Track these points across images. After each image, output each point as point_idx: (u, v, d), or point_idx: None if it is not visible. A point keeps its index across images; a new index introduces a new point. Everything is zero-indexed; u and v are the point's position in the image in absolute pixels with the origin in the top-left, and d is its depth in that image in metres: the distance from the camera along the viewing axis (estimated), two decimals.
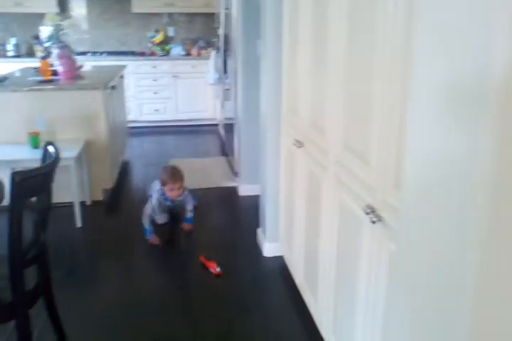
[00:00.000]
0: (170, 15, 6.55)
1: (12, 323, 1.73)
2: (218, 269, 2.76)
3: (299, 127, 2.31)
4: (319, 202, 2.03)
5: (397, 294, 1.13)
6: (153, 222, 3.22)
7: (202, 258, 2.88)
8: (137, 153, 5.35)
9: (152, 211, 3.22)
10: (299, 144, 2.24)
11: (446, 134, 0.89)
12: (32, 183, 1.57)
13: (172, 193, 3.16)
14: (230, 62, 4.24)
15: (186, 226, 3.34)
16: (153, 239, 3.12)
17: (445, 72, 0.89)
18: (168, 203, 3.29)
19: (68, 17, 3.50)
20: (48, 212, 1.82)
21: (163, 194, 3.20)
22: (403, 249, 1.09)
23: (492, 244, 0.79)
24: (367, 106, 1.48)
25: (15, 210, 1.53)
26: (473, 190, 0.82)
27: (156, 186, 3.25)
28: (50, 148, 1.81)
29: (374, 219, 1.41)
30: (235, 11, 3.73)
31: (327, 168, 1.90)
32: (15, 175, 1.47)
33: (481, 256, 0.81)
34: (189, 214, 3.36)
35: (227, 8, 4.20)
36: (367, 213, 1.45)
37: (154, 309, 2.45)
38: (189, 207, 3.35)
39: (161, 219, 3.38)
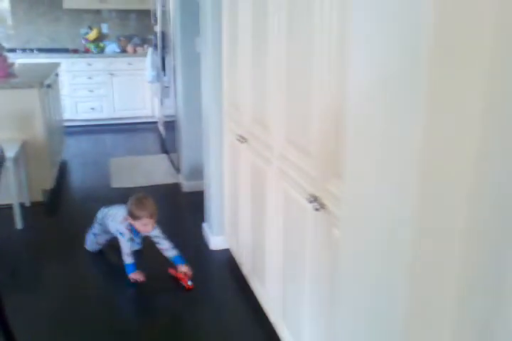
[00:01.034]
0: (103, 11, 6.43)
1: None
2: (190, 283, 2.60)
3: (242, 123, 2.39)
4: (264, 194, 2.13)
5: (342, 279, 1.23)
6: (134, 253, 2.70)
7: (172, 271, 2.69)
8: (75, 152, 5.24)
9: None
10: (243, 139, 2.33)
11: (382, 128, 1.00)
12: None
13: (145, 228, 2.64)
14: (168, 60, 4.26)
15: (185, 267, 2.65)
16: (135, 273, 2.64)
17: (379, 61, 0.99)
18: (137, 240, 2.77)
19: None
20: None
21: (132, 229, 2.69)
22: (345, 237, 1.20)
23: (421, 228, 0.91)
24: (306, 101, 1.59)
25: None
26: (406, 175, 0.93)
27: (118, 216, 2.72)
28: None
29: (317, 207, 1.52)
30: (172, 8, 3.75)
31: (271, 162, 1.99)
32: None
33: (412, 238, 0.93)
34: (174, 252, 2.69)
35: (163, 6, 4.21)
36: (310, 202, 1.55)
37: (100, 306, 2.48)
38: (166, 243, 2.70)
39: (93, 249, 2.97)
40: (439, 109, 0.84)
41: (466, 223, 0.89)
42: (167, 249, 2.69)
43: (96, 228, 2.87)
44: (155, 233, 2.69)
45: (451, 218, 0.90)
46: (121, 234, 2.65)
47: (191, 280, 2.60)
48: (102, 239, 2.91)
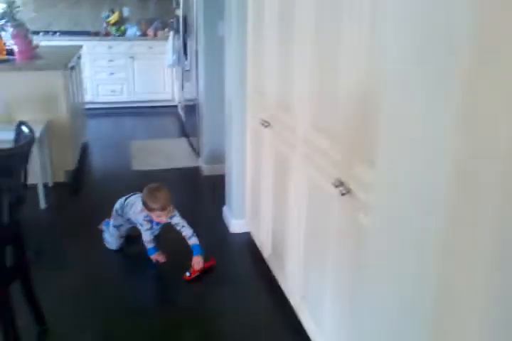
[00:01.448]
0: None
1: None
2: (188, 274, 2.55)
3: (266, 107, 2.40)
4: (287, 178, 2.14)
5: (371, 267, 1.24)
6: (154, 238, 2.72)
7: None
8: (96, 134, 5.29)
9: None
10: (266, 124, 2.33)
11: (421, 114, 1.00)
12: (8, 163, 1.60)
13: (160, 219, 2.64)
14: (190, 44, 4.25)
15: (195, 259, 2.61)
16: (157, 254, 2.68)
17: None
18: (157, 228, 2.75)
19: None
20: (23, 192, 1.84)
21: (150, 219, 2.68)
22: (377, 225, 1.20)
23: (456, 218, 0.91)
24: (333, 85, 1.58)
25: None
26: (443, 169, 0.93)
27: (136, 207, 2.72)
28: (24, 128, 1.83)
29: (343, 192, 1.52)
30: None
31: (295, 146, 2.00)
32: None
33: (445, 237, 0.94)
34: (194, 240, 2.67)
35: None
36: (336, 186, 1.56)
37: (122, 284, 2.54)
38: (187, 230, 2.68)
39: (117, 244, 2.88)
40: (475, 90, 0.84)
41: (498, 211, 0.89)
42: (187, 236, 2.68)
43: (117, 220, 2.83)
44: (175, 220, 2.68)
45: (484, 206, 0.90)
46: (140, 224, 2.67)
47: (190, 273, 2.55)
48: (124, 229, 2.87)
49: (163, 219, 2.65)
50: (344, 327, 1.67)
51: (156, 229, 2.75)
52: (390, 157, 1.09)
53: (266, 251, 2.63)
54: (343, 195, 1.53)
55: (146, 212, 2.63)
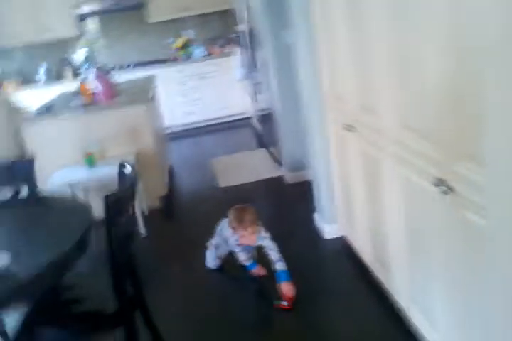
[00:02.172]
0: (186, 18, 6.63)
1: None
2: (286, 303, 2.44)
3: (347, 111, 2.38)
4: (379, 180, 2.11)
5: (493, 269, 1.18)
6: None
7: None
8: (178, 157, 5.49)
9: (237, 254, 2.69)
10: (350, 128, 2.32)
11: None
12: (121, 203, 1.72)
13: (244, 240, 2.60)
14: (258, 56, 4.32)
15: (285, 286, 2.47)
16: (256, 269, 2.66)
17: None
18: (250, 249, 2.70)
19: (98, 39, 3.62)
20: (134, 225, 1.97)
21: (236, 239, 2.64)
22: (492, 226, 1.15)
23: None
24: (420, 82, 1.55)
25: (111, 228, 1.68)
26: None
27: (226, 229, 2.69)
28: (127, 169, 1.95)
29: (445, 190, 1.48)
30: (257, 3, 3.80)
31: (385, 148, 1.97)
32: (108, 198, 1.62)
33: None
34: (280, 266, 2.51)
35: (247, 2, 4.27)
36: (436, 185, 1.52)
37: (224, 302, 2.59)
38: (275, 254, 2.56)
39: (213, 263, 2.90)
40: None
41: None
42: (274, 260, 2.54)
43: (216, 239, 2.84)
44: (265, 243, 2.59)
45: None
46: (233, 246, 2.66)
47: (287, 302, 2.43)
48: (223, 252, 2.84)
49: (250, 241, 2.58)
50: (458, 327, 1.63)
51: (251, 249, 2.70)
52: (501, 152, 1.04)
53: (365, 255, 2.60)
54: (444, 193, 1.49)
55: (236, 236, 2.60)
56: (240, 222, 2.54)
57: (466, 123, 1.34)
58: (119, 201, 1.68)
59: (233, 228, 2.59)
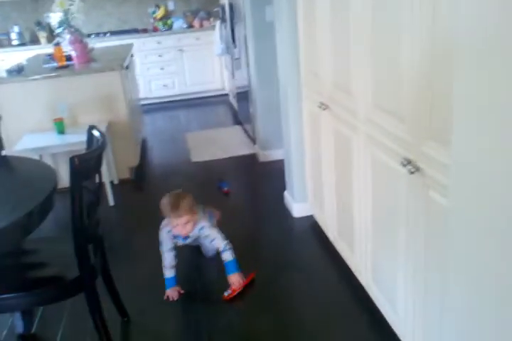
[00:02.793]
0: None
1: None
2: (226, 294, 2.31)
3: (322, 90, 2.38)
4: (349, 159, 2.13)
5: (453, 249, 1.21)
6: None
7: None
8: (152, 129, 5.44)
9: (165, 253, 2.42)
10: (324, 106, 2.32)
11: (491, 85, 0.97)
12: (88, 165, 1.69)
13: (178, 229, 2.32)
14: (237, 31, 4.26)
15: (233, 278, 2.33)
16: (171, 290, 2.38)
17: None
18: (181, 242, 2.45)
19: (75, 2, 3.50)
20: (99, 192, 1.94)
21: (169, 231, 2.39)
22: (454, 206, 1.17)
23: None
24: (395, 62, 1.56)
25: (75, 191, 1.65)
26: None
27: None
28: (95, 132, 1.91)
29: (412, 170, 1.51)
30: None
31: (357, 128, 1.99)
32: (74, 159, 1.59)
33: None
34: (226, 256, 2.35)
35: None
36: (404, 165, 1.55)
37: (188, 272, 2.59)
38: (219, 243, 2.36)
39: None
40: None
41: None
42: (220, 249, 2.35)
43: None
44: (205, 232, 2.36)
45: None
46: (160, 243, 2.40)
47: (228, 292, 2.31)
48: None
49: (183, 231, 2.31)
50: (418, 306, 1.67)
51: (189, 241, 2.46)
52: (467, 134, 1.06)
53: (331, 233, 2.64)
54: (411, 173, 1.52)
55: (169, 226, 2.35)
56: (174, 209, 2.27)
57: (436, 104, 1.36)
58: (85, 163, 1.64)
59: (164, 214, 2.34)
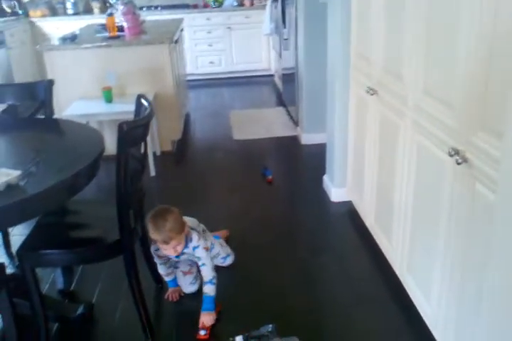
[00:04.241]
0: None
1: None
2: (203, 333, 2.02)
3: (371, 74, 2.34)
4: (394, 147, 2.10)
5: (497, 244, 1.18)
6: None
7: None
8: (196, 105, 5.49)
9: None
10: (372, 91, 2.29)
11: None
12: (135, 133, 1.73)
13: (167, 252, 2.09)
14: (288, 11, 4.21)
15: (204, 317, 2.04)
16: (171, 291, 2.28)
17: None
18: (174, 259, 2.21)
19: None
20: (144, 161, 1.99)
21: (156, 249, 2.17)
22: (502, 202, 1.13)
23: None
24: (451, 49, 1.51)
25: (122, 157, 1.70)
26: None
27: None
28: (143, 101, 1.95)
29: (459, 161, 1.48)
30: None
31: (405, 114, 1.95)
32: (122, 125, 1.63)
33: None
34: (208, 290, 2.08)
35: None
36: (451, 155, 1.51)
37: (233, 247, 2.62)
38: (207, 272, 2.10)
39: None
40: None
41: None
42: (204, 278, 2.10)
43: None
44: (198, 253, 2.10)
45: None
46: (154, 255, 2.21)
47: (205, 331, 2.02)
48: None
49: (175, 253, 2.06)
50: (452, 300, 1.65)
51: (184, 257, 2.19)
52: None
53: (368, 220, 2.62)
54: (458, 163, 1.48)
55: (157, 244, 2.09)
56: (155, 231, 1.98)
57: (491, 93, 1.32)
58: (133, 130, 1.68)
59: (152, 240, 2.08)
